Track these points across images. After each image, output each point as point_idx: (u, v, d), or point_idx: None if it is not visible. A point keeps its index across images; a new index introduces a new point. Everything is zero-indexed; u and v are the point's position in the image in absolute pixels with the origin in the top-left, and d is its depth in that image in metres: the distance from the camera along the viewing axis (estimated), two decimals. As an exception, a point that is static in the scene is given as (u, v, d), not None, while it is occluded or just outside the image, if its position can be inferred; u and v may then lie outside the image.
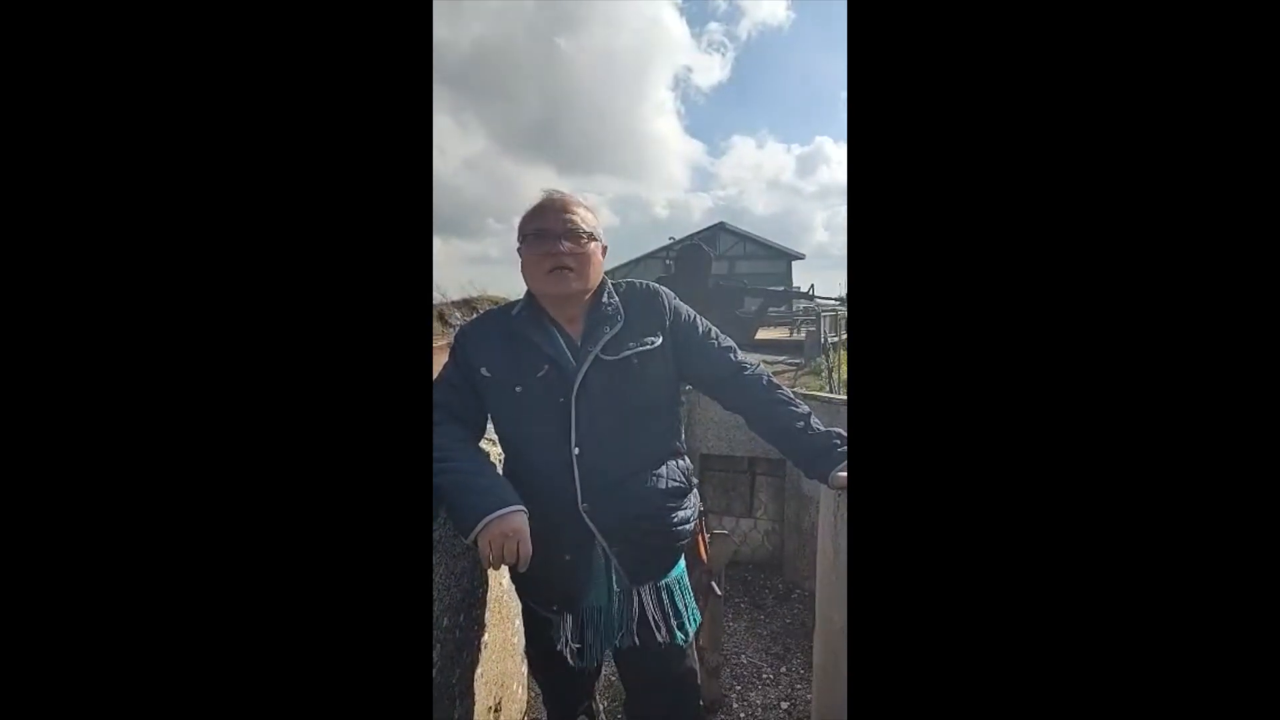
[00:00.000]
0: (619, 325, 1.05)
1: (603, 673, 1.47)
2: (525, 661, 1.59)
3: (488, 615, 1.30)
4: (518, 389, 1.03)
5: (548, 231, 1.01)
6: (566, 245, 1.00)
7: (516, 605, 1.48)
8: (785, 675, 2.01)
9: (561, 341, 1.05)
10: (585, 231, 1.02)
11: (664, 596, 1.10)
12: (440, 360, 1.08)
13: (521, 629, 1.50)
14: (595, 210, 1.07)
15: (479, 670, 1.26)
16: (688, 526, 1.13)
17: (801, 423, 1.08)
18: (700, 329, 1.14)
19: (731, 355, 1.15)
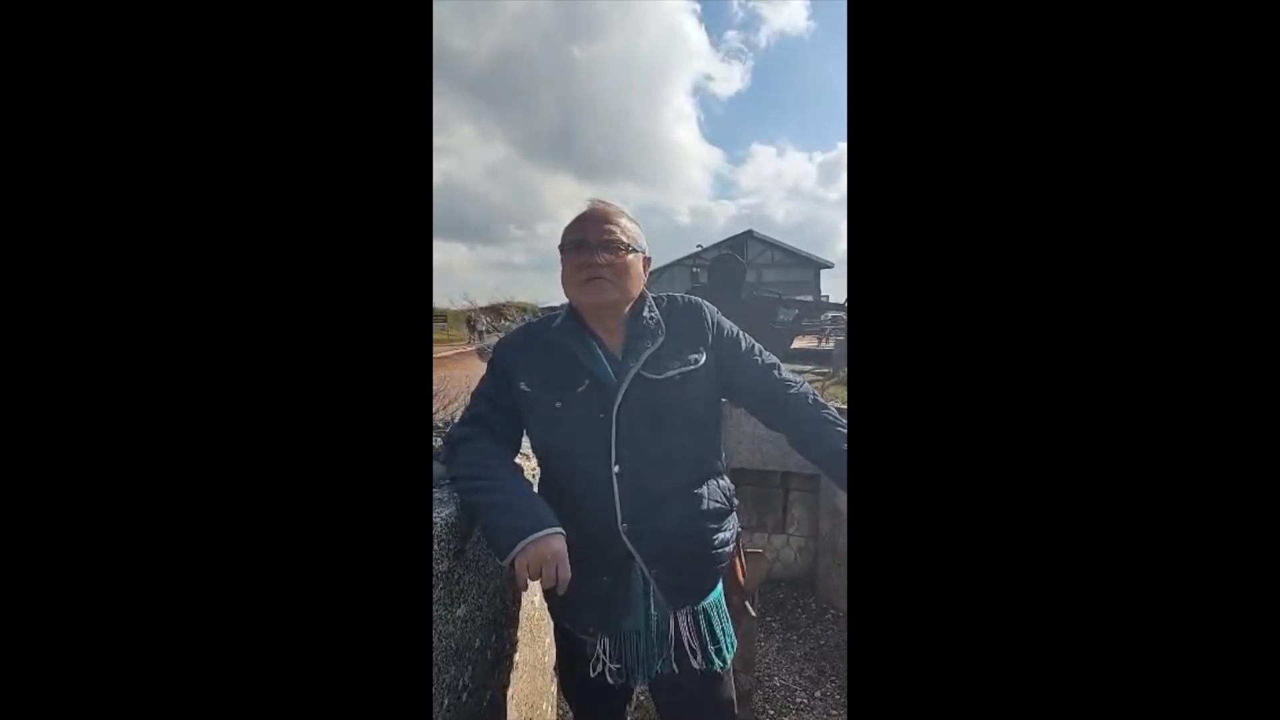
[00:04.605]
0: (660, 340, 1.02)
1: (634, 695, 1.43)
2: (555, 681, 1.56)
3: (520, 634, 1.28)
4: (558, 404, 1.01)
5: (586, 242, 1.00)
6: (604, 257, 0.98)
7: (548, 623, 1.45)
8: (820, 700, 1.94)
9: (602, 355, 1.02)
10: (624, 243, 1.00)
11: (701, 622, 1.06)
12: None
13: (552, 647, 1.47)
14: (638, 221, 1.05)
15: (510, 690, 1.23)
16: (727, 549, 1.09)
17: (847, 444, 1.03)
18: (743, 345, 1.11)
19: (775, 373, 1.11)
